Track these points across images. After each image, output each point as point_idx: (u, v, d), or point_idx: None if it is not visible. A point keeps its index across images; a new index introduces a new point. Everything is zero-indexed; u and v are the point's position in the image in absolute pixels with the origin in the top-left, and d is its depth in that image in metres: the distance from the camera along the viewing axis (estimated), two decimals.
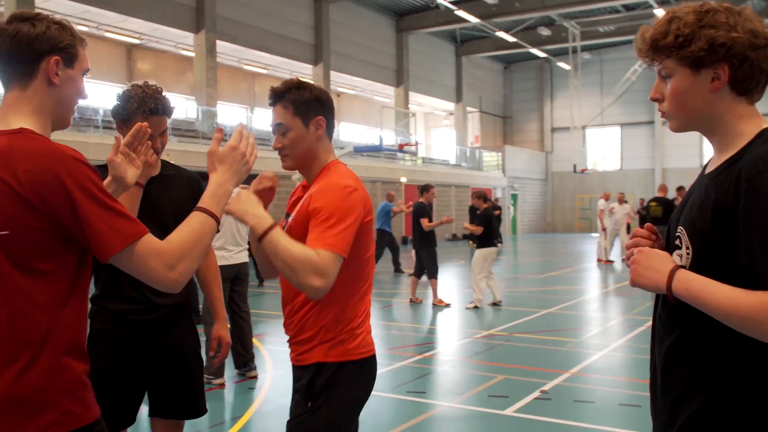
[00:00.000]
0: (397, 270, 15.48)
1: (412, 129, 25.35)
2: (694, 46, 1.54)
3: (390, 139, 24.64)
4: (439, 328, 9.06)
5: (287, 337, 2.38)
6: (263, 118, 28.59)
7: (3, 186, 1.56)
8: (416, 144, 23.25)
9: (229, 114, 26.90)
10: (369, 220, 2.30)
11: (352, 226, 2.18)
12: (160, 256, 1.64)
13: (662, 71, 1.63)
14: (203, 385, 3.08)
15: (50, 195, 1.56)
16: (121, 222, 1.62)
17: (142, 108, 2.75)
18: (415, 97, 33.47)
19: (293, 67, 27.57)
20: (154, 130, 2.78)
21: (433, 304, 10.71)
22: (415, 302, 11.01)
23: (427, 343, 8.13)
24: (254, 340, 7.06)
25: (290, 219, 2.33)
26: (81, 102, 1.80)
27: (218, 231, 1.84)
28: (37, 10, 1.82)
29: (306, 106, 2.30)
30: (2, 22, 1.68)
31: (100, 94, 22.44)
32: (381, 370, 6.71)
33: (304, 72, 27.90)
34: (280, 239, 2.07)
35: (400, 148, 21.38)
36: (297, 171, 2.39)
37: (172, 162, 3.07)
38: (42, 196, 1.56)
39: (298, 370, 2.36)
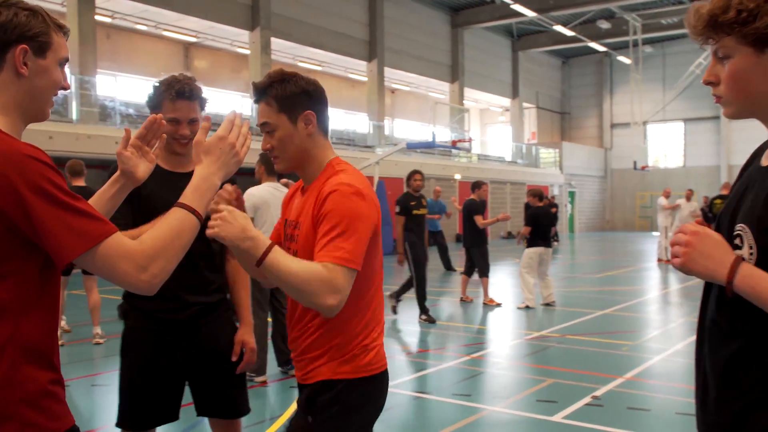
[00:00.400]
0: (448, 268, 15.25)
1: (466, 125, 25.01)
2: (760, 22, 1.35)
3: (444, 135, 24.37)
4: (488, 329, 8.81)
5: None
6: None
7: None
8: (470, 140, 22.89)
9: None
10: (380, 226, 2.08)
11: (364, 234, 1.96)
12: (131, 257, 1.50)
13: (719, 51, 1.43)
14: (244, 385, 2.98)
15: (1, 197, 1.42)
16: (83, 222, 1.47)
17: (169, 91, 2.70)
18: (470, 93, 33.07)
19: (347, 63, 27.60)
20: (182, 117, 2.70)
21: (484, 304, 10.46)
22: (465, 301, 10.77)
23: (476, 343, 7.90)
24: None
25: (297, 229, 2.10)
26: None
27: (203, 227, 1.68)
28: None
29: (291, 100, 2.06)
30: None
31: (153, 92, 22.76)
32: (428, 370, 6.61)
33: (358, 68, 27.89)
34: (281, 260, 1.84)
35: (454, 144, 21.06)
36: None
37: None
38: None
39: (305, 389, 2.13)
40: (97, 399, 5.74)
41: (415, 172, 9.45)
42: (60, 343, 7.26)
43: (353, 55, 26.38)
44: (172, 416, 2.83)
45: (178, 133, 2.73)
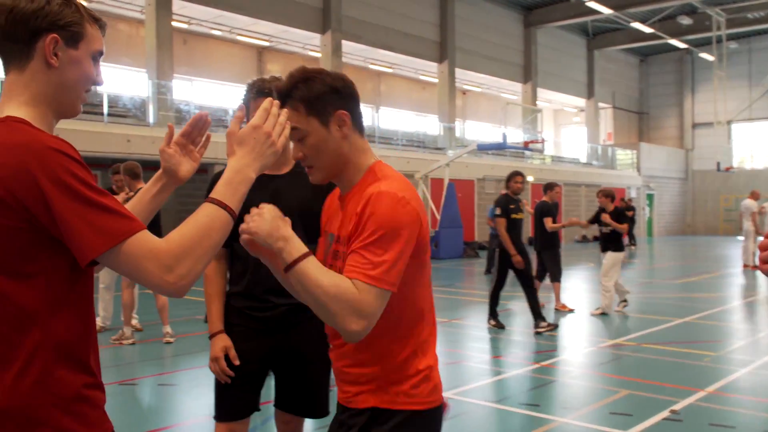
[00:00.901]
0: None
1: (539, 126, 24.51)
2: None
3: (516, 136, 23.97)
4: (560, 335, 8.50)
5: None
6: (389, 118, 28.69)
7: None
8: (542, 141, 22.42)
9: None
10: (426, 237, 1.83)
11: (405, 248, 1.74)
12: (156, 256, 1.40)
13: None
14: (326, 387, 2.97)
15: (22, 191, 1.35)
16: (107, 219, 1.38)
17: (252, 91, 2.79)
18: (543, 94, 32.43)
19: (418, 65, 27.50)
20: None
21: (556, 309, 10.14)
22: (561, 310, 10.30)
23: (547, 350, 7.63)
24: None
25: (341, 244, 1.88)
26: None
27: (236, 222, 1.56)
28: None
29: (320, 101, 1.82)
30: None
31: (234, 97, 23.32)
32: (495, 378, 6.40)
33: (429, 70, 27.74)
34: (312, 271, 1.67)
35: (526, 146, 20.66)
36: None
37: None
38: (13, 192, 1.36)
39: (346, 412, 1.91)
40: (164, 398, 5.79)
41: (516, 173, 8.89)
42: (131, 341, 7.53)
43: (424, 57, 26.25)
44: (253, 408, 2.92)
45: None
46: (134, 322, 8.15)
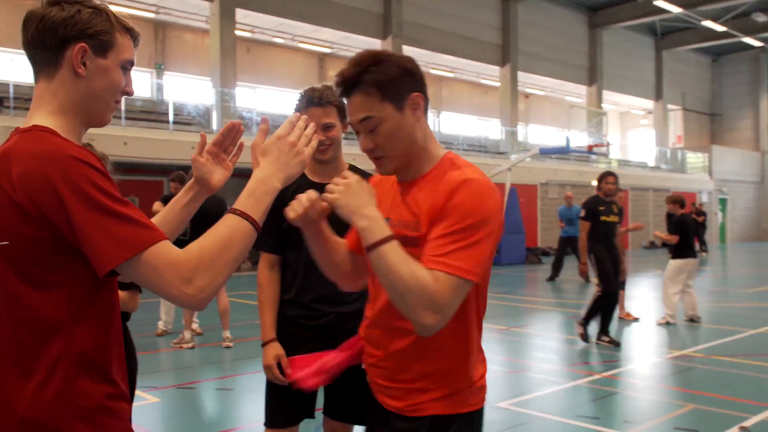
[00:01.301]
0: (587, 279, 14.57)
1: (604, 129, 23.96)
2: None
3: (581, 140, 23.45)
4: (624, 345, 8.21)
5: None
6: (450, 122, 28.53)
7: (0, 192, 1.39)
8: (607, 145, 21.86)
9: None
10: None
11: (493, 241, 1.65)
12: (175, 267, 1.37)
13: None
14: None
15: (43, 200, 1.35)
16: (127, 229, 1.36)
17: (302, 100, 2.80)
18: (609, 96, 31.71)
19: (480, 69, 27.27)
20: (315, 122, 2.69)
21: (620, 318, 9.81)
22: (625, 319, 9.94)
23: (609, 360, 7.38)
24: None
25: (411, 229, 1.77)
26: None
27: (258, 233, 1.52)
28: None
29: (395, 84, 1.72)
30: (38, 7, 1.50)
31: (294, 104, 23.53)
32: (552, 388, 6.22)
33: (491, 74, 27.48)
34: (393, 256, 1.60)
35: (589, 149, 20.19)
36: None
37: (359, 167, 2.88)
38: (35, 201, 1.36)
39: (403, 422, 1.82)
40: (221, 402, 5.84)
41: (608, 173, 8.33)
42: (191, 345, 7.65)
43: (485, 60, 26.02)
44: (310, 414, 2.94)
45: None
46: (194, 326, 8.30)
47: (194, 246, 1.42)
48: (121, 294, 2.87)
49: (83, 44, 1.48)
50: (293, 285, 2.87)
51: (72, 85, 1.50)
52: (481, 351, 1.87)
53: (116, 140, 13.30)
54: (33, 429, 1.40)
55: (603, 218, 8.18)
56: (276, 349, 2.82)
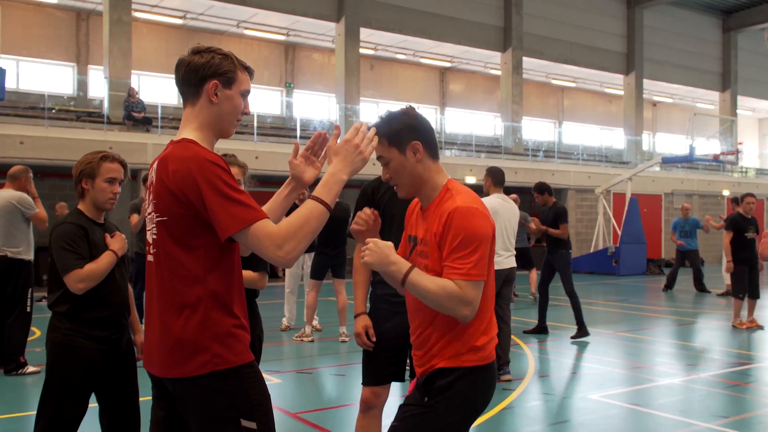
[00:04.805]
0: (701, 289, 14.25)
1: (734, 136, 22.90)
2: None
3: (711, 148, 22.53)
4: (749, 348, 8.11)
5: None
6: (572, 132, 28.22)
7: (161, 183, 2.05)
8: (736, 152, 20.90)
9: (535, 129, 27.07)
10: (494, 240, 2.33)
11: (488, 250, 2.27)
12: (271, 237, 1.98)
13: None
14: None
15: (188, 189, 1.99)
16: (240, 209, 1.97)
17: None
18: (745, 102, 30.19)
19: (603, 78, 26.86)
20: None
21: (746, 327, 9.59)
22: (737, 327, 9.66)
23: (735, 366, 7.37)
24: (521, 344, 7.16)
25: (426, 246, 2.39)
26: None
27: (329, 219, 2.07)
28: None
29: (398, 135, 2.36)
30: (185, 55, 2.17)
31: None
32: (665, 381, 6.29)
33: (615, 82, 26.99)
34: (420, 280, 2.22)
35: (715, 158, 19.40)
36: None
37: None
38: (183, 190, 2.00)
39: (421, 377, 2.42)
40: (335, 384, 6.51)
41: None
42: (310, 339, 8.43)
43: (609, 69, 25.66)
44: (399, 377, 3.50)
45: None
46: (315, 322, 9.07)
47: (284, 222, 2.02)
48: (252, 274, 3.53)
49: (216, 81, 2.14)
50: None
51: (208, 109, 2.16)
52: (491, 327, 2.41)
53: (248, 154, 14.43)
54: (184, 345, 2.06)
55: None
56: (365, 320, 3.47)
